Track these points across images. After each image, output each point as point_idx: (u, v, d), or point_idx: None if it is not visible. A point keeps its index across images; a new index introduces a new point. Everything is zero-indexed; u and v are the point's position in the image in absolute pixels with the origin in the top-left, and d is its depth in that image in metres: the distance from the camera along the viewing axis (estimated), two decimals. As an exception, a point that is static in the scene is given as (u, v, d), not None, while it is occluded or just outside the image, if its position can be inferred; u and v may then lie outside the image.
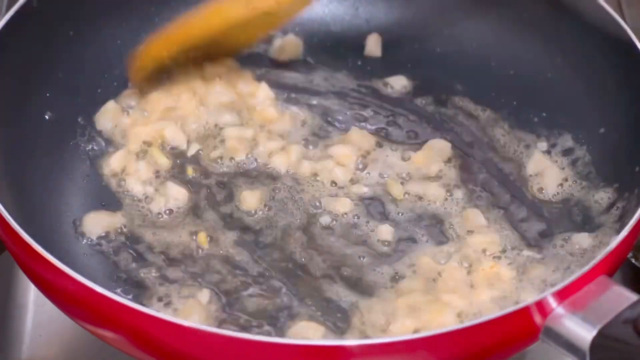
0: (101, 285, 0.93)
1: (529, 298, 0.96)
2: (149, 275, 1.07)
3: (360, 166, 1.15)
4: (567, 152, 1.17)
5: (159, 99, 1.20)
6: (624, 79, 1.12)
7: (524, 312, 0.92)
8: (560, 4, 1.16)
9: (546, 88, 1.19)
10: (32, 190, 1.09)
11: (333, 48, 1.26)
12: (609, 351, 0.92)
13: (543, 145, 1.18)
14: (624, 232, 0.98)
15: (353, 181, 1.14)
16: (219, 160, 1.17)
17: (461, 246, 1.08)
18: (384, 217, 1.12)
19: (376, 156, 1.17)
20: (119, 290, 1.06)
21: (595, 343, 0.91)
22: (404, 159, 1.16)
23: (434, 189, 1.13)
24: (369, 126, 1.20)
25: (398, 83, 1.24)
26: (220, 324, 1.02)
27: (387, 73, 1.25)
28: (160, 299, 1.05)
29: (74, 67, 1.18)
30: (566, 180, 1.14)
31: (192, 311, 1.02)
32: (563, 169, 1.15)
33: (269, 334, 1.00)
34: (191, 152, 1.18)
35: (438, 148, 1.16)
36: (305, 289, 1.05)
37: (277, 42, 1.26)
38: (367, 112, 1.22)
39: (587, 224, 1.10)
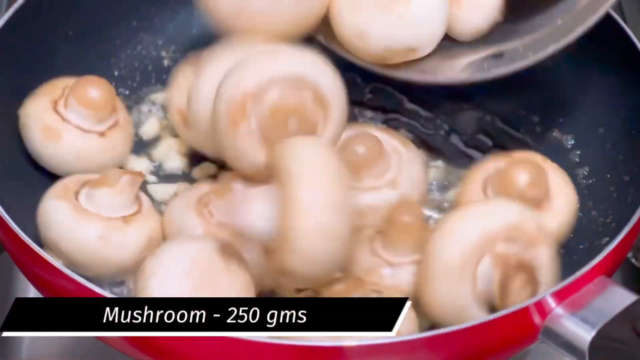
0: (100, 285, 0.93)
1: None
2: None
3: None
4: (566, 152, 1.17)
5: None
6: (624, 78, 1.12)
7: (523, 312, 0.92)
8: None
9: (545, 88, 1.19)
10: (31, 191, 1.09)
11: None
12: (608, 351, 0.92)
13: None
14: (623, 232, 0.98)
15: None
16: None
17: None
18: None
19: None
20: (118, 291, 1.06)
21: (595, 343, 0.91)
22: None
23: None
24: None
25: None
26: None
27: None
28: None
29: (73, 67, 1.18)
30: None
31: None
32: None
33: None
34: None
35: None
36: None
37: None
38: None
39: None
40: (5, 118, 1.10)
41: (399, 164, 1.09)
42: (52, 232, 1.01)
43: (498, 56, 1.08)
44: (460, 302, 0.96)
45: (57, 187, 1.05)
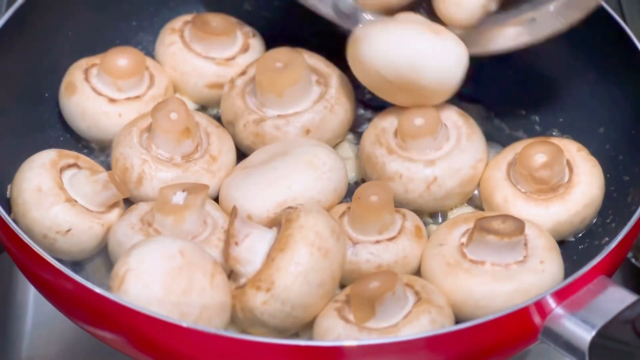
0: (100, 285, 0.93)
1: None
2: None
3: None
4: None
5: None
6: (624, 79, 1.12)
7: (523, 312, 0.92)
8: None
9: (546, 88, 1.19)
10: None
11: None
12: (608, 351, 0.92)
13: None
14: (623, 232, 0.98)
15: None
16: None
17: None
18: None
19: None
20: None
21: (595, 343, 0.91)
22: None
23: None
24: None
25: None
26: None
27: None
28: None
29: (73, 67, 1.18)
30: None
31: None
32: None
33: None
34: None
35: None
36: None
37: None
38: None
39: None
40: (5, 120, 1.10)
41: (451, 147, 1.09)
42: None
43: (532, 23, 1.09)
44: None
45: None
